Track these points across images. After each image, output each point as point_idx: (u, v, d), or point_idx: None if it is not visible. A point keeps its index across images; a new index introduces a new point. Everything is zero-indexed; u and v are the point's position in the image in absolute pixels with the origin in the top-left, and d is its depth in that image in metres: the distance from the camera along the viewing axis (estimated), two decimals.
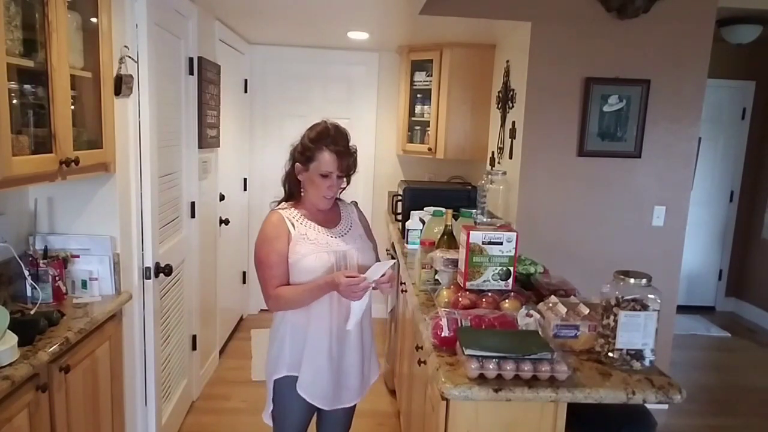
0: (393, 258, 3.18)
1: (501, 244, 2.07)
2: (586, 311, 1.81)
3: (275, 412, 1.98)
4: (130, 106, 2.35)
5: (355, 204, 2.11)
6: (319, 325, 1.88)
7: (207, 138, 3.35)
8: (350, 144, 1.89)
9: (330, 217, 1.97)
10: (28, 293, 2.04)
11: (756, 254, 5.34)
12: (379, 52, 4.66)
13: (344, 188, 1.95)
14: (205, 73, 3.23)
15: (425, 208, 3.27)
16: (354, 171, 1.92)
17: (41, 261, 2.06)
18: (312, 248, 1.84)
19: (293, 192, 1.95)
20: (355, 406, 2.10)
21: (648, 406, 1.62)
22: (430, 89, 4.20)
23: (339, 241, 1.91)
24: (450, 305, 1.99)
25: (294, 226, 1.86)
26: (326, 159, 1.83)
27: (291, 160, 1.93)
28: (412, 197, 3.72)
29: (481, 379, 1.52)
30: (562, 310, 1.81)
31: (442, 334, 1.75)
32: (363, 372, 2.02)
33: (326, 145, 1.83)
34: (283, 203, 1.96)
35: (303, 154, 1.86)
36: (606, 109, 3.19)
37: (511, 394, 1.50)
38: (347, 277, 1.74)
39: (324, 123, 1.88)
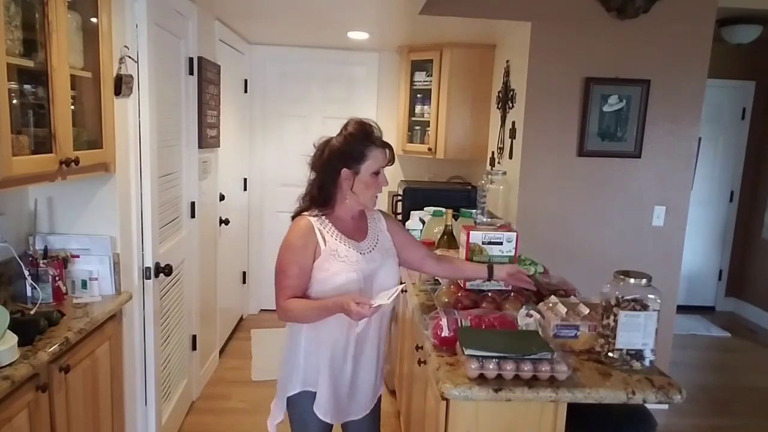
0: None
1: (501, 244, 2.07)
2: (586, 311, 1.81)
3: (295, 424, 1.89)
4: (130, 106, 2.35)
5: (385, 213, 1.97)
6: (336, 339, 1.79)
7: (207, 138, 3.35)
8: None
9: (359, 227, 1.86)
10: (28, 293, 2.04)
11: (756, 254, 5.34)
12: (379, 52, 4.66)
13: None
14: (205, 73, 3.23)
15: (425, 208, 3.27)
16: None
17: (41, 261, 2.06)
18: (342, 267, 1.73)
19: (328, 201, 1.79)
20: (379, 415, 2.03)
21: (648, 406, 1.62)
22: (430, 89, 4.19)
23: (367, 258, 1.79)
24: (450, 305, 1.99)
25: (325, 240, 1.75)
26: (378, 155, 1.74)
27: (325, 170, 1.77)
28: (412, 197, 3.72)
29: (481, 379, 1.53)
30: (562, 310, 1.81)
31: (442, 334, 1.75)
32: (375, 385, 1.94)
33: (373, 142, 1.74)
34: (312, 209, 1.80)
35: (350, 156, 1.73)
36: (606, 109, 3.19)
37: (511, 394, 1.50)
38: (357, 303, 1.61)
39: (357, 120, 1.78)
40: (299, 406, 1.85)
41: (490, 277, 2.00)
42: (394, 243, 1.91)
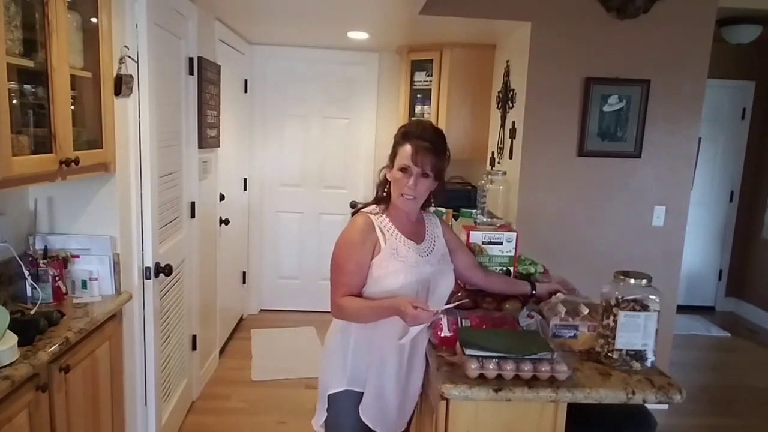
0: None
1: (501, 244, 2.07)
2: (586, 311, 1.81)
3: (329, 423, 1.85)
4: (130, 106, 2.35)
5: (441, 219, 1.96)
6: (388, 340, 1.74)
7: (207, 138, 3.35)
8: (441, 142, 1.75)
9: (417, 230, 1.82)
10: (28, 293, 2.04)
11: (756, 254, 5.34)
12: (379, 52, 4.66)
13: (435, 194, 1.81)
14: (205, 73, 3.23)
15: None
16: (443, 172, 1.76)
17: (41, 261, 2.06)
18: (401, 267, 1.71)
19: (384, 198, 1.80)
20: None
21: (648, 406, 1.62)
22: (430, 89, 4.19)
23: (425, 261, 1.77)
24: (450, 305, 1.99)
25: (386, 238, 1.73)
26: (405, 151, 1.70)
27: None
28: None
29: (481, 379, 1.52)
30: (562, 310, 1.81)
31: (442, 334, 1.75)
32: (416, 395, 1.87)
33: (409, 139, 1.71)
34: (372, 206, 1.81)
35: (391, 151, 1.77)
36: (606, 109, 3.19)
37: (511, 394, 1.50)
38: (415, 307, 1.58)
39: (416, 120, 1.83)
40: (338, 404, 1.82)
41: (533, 294, 2.00)
42: (448, 248, 1.89)
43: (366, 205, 1.83)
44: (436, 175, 1.73)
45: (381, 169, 1.83)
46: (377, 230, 1.74)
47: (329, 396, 1.82)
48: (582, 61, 3.16)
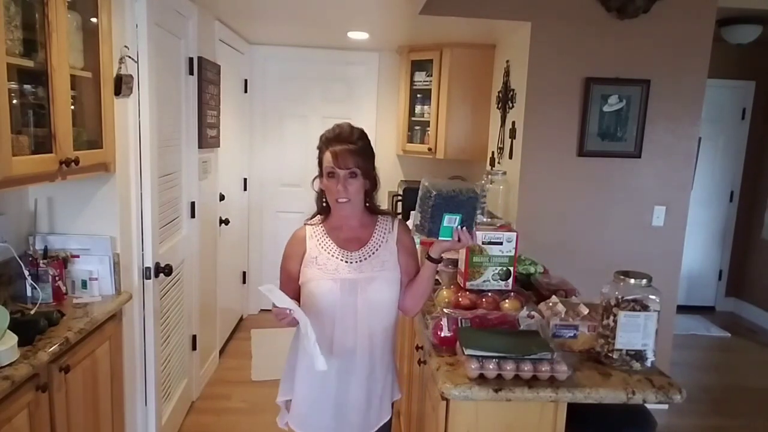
0: None
1: (501, 244, 2.07)
2: (586, 311, 1.81)
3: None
4: (130, 106, 2.35)
5: (401, 222, 1.86)
6: (305, 348, 1.71)
7: (207, 138, 3.35)
8: (362, 141, 1.74)
9: (359, 236, 1.77)
10: (28, 293, 2.04)
11: (756, 254, 5.34)
12: (379, 52, 4.66)
13: (372, 192, 1.78)
14: (205, 73, 3.23)
15: None
16: (371, 168, 1.74)
17: (41, 261, 2.06)
18: (317, 274, 1.72)
19: (324, 208, 1.80)
20: None
21: (648, 406, 1.62)
22: (430, 89, 4.19)
23: (352, 267, 1.71)
24: (450, 305, 1.99)
25: (310, 246, 1.76)
26: (327, 157, 1.69)
27: None
28: (413, 197, 3.70)
29: (481, 379, 1.53)
30: (561, 310, 1.81)
31: (442, 334, 1.75)
32: (371, 410, 1.79)
33: (329, 144, 1.72)
34: (316, 217, 1.82)
35: (317, 161, 1.76)
36: (606, 109, 3.19)
37: (511, 394, 1.50)
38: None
39: (335, 124, 1.79)
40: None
41: (432, 259, 1.73)
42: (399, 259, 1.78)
43: (314, 215, 1.84)
44: (363, 173, 1.70)
45: (313, 179, 1.80)
46: (306, 240, 1.77)
47: (285, 402, 1.86)
48: (582, 61, 3.16)
